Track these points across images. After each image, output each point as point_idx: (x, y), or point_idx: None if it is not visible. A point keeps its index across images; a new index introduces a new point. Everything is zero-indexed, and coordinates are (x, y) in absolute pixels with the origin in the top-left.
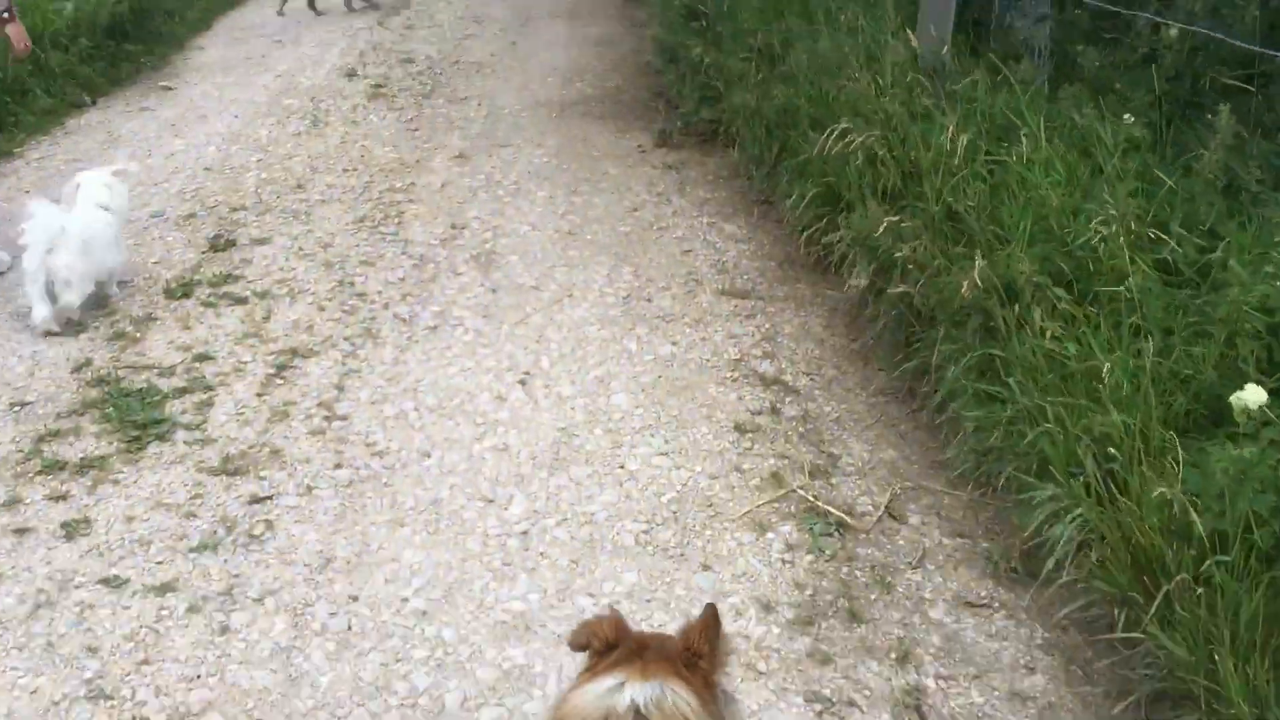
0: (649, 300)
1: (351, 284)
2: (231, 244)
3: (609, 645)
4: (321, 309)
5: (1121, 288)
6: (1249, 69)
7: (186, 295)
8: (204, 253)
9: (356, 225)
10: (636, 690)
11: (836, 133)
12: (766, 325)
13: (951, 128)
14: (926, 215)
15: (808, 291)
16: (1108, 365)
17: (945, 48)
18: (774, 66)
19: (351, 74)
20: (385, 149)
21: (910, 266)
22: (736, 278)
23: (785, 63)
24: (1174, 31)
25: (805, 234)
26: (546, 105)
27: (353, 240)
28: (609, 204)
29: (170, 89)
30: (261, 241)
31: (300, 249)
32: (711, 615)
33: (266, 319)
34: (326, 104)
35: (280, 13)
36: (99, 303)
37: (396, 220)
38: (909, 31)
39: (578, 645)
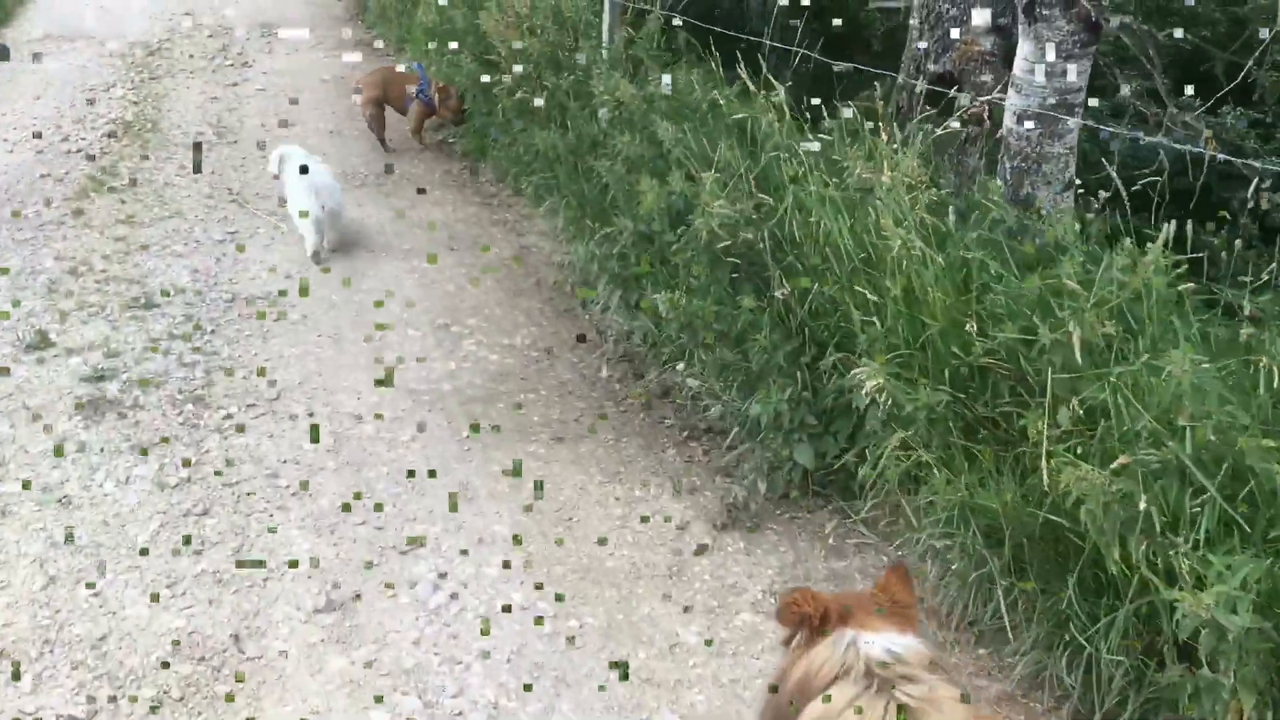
0: None
1: None
2: None
3: (824, 615)
4: None
5: None
6: None
7: None
8: None
9: None
10: (868, 641)
11: None
12: None
13: None
14: None
15: None
16: None
17: None
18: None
19: (40, 342)
20: (151, 579)
21: None
22: None
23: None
24: None
25: None
26: (438, 404)
27: None
28: None
29: None
30: None
31: None
32: (903, 570)
33: None
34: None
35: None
36: None
37: None
38: None
39: (790, 622)
